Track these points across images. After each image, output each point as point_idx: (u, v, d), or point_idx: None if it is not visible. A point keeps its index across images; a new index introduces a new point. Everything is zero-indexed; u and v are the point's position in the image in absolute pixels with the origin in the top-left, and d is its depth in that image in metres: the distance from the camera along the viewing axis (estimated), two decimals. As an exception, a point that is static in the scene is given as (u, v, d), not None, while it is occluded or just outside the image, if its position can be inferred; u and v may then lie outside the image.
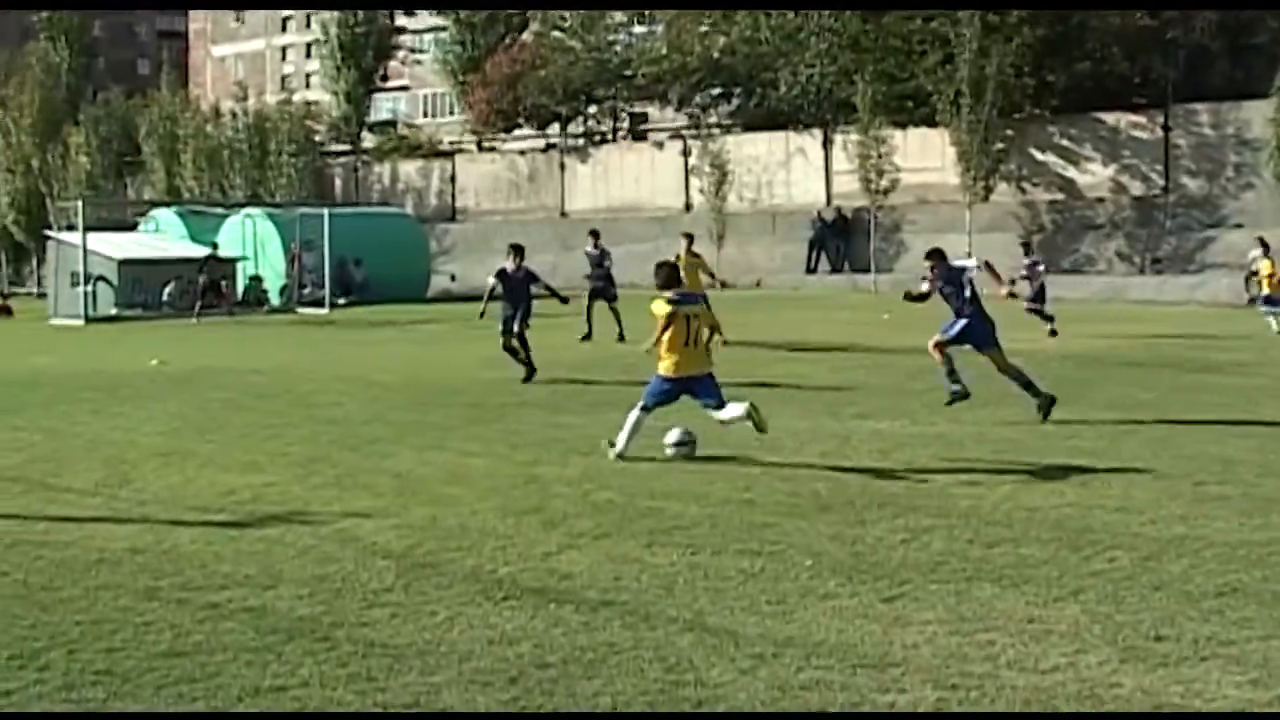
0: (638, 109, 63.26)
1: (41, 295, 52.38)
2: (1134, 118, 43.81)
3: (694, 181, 50.46)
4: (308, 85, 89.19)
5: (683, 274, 23.34)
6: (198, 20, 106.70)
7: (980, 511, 10.20)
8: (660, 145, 55.18)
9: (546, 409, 16.48)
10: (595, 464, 12.44)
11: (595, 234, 27.42)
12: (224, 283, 38.81)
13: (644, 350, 12.84)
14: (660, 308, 12.63)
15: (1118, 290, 38.64)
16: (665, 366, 12.70)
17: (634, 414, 12.71)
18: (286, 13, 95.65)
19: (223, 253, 40.65)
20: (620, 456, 12.55)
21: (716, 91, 56.11)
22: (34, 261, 63.63)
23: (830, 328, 21.68)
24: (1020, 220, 44.38)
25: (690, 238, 25.61)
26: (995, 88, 41.66)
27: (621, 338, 24.34)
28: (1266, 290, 27.45)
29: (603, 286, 26.11)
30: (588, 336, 25.23)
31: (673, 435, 12.35)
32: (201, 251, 40.61)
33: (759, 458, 12.54)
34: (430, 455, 13.17)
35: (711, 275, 25.13)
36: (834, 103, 48.87)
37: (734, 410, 12.44)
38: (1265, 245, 29.84)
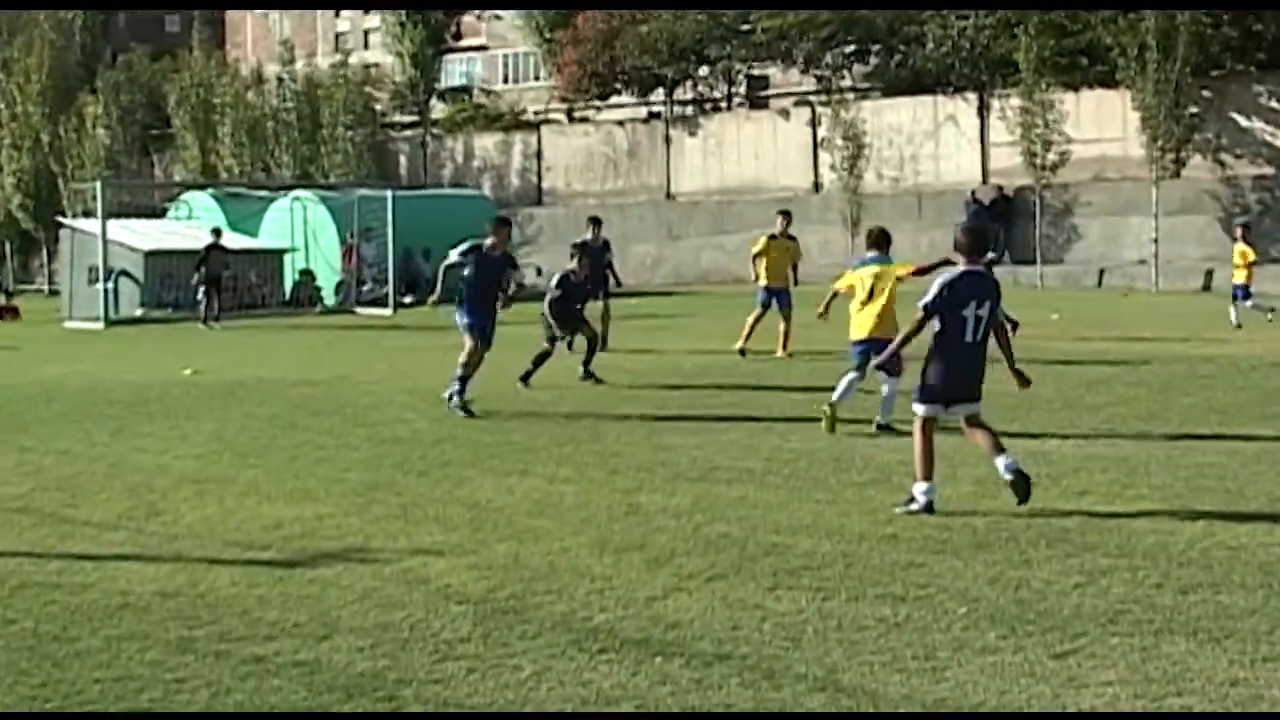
0: (757, 71, 63.18)
1: (54, 293, 53.38)
2: (1360, 73, 43.10)
3: (824, 156, 50.35)
4: (366, 45, 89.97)
5: (767, 261, 23.69)
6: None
7: (1170, 551, 10.08)
8: (784, 114, 55.10)
9: (649, 428, 16.49)
10: (708, 493, 12.45)
11: (597, 221, 26.86)
12: (226, 277, 37.97)
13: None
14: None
15: (1339, 284, 37.98)
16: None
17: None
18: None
19: (228, 240, 39.75)
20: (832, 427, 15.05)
21: (850, 49, 55.93)
22: (44, 254, 64.77)
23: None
24: (1220, 200, 43.80)
25: (788, 216, 25.46)
26: (1189, 40, 41.12)
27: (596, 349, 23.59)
28: (1243, 280, 29.04)
29: (604, 283, 25.24)
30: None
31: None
32: (243, 242, 41.10)
33: (904, 484, 12.47)
34: (512, 482, 13.24)
35: (795, 267, 24.68)
36: (991, 61, 48.57)
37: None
38: (1247, 227, 30.98)
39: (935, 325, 11.71)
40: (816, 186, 51.47)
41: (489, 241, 18.79)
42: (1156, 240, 41.71)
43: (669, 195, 55.05)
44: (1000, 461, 11.63)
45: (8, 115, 65.41)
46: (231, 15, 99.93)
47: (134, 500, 12.73)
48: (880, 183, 48.90)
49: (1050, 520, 11.10)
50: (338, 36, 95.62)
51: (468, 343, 18.36)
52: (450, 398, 18.07)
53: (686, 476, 13.27)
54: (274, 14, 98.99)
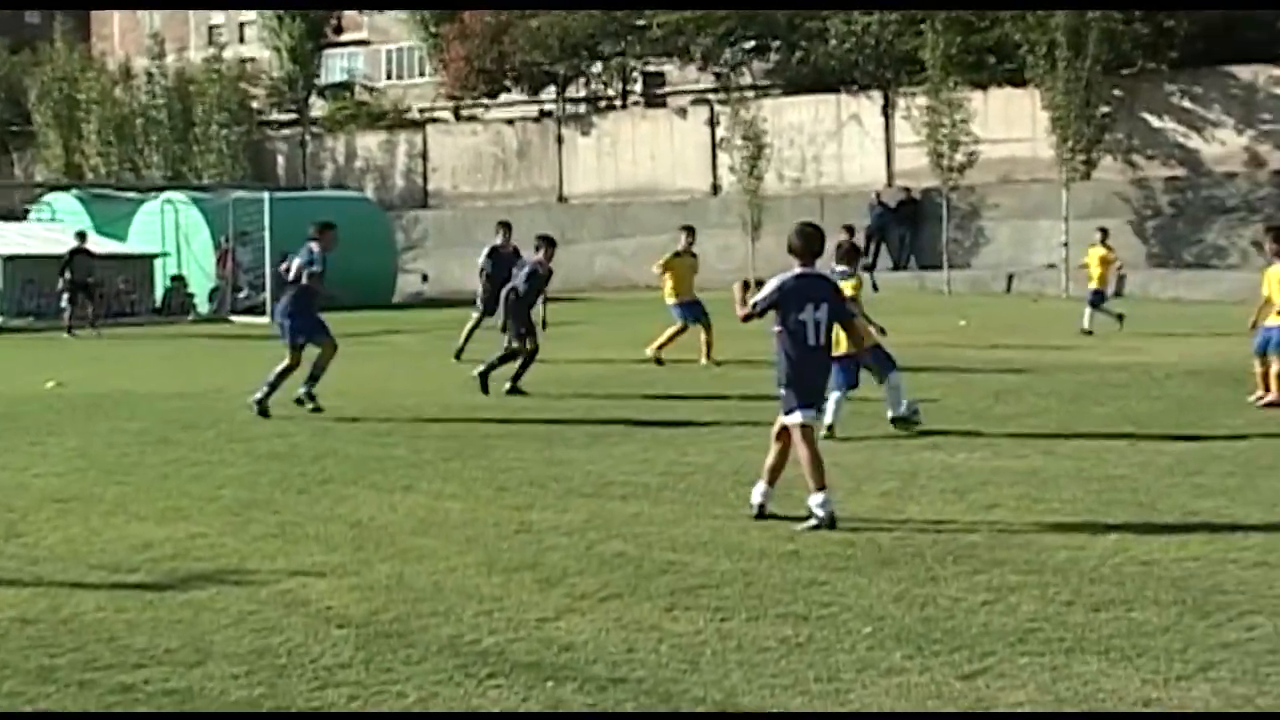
0: (653, 68, 63.41)
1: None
2: (1277, 71, 43.77)
3: (723, 157, 50.53)
4: (242, 39, 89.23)
5: (674, 278, 24.38)
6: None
7: (1081, 566, 10.19)
8: (681, 113, 55.31)
9: (541, 441, 16.49)
10: (601, 509, 12.45)
11: (506, 226, 27.08)
12: (92, 283, 37.60)
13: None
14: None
15: (1255, 289, 38.42)
16: None
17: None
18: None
19: (94, 244, 39.10)
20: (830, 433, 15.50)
21: (750, 45, 56.22)
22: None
23: (893, 337, 21.61)
24: (1131, 203, 44.40)
25: (691, 232, 26.13)
26: (1099, 37, 41.68)
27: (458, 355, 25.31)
28: (1097, 285, 29.78)
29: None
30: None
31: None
32: (110, 246, 40.68)
33: (805, 499, 12.53)
34: (396, 498, 13.18)
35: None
36: (896, 58, 48.97)
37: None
38: (1104, 231, 31.59)
39: (776, 329, 11.99)
40: (715, 188, 51.69)
41: (316, 244, 19.66)
42: (1067, 244, 42.14)
43: (561, 198, 55.11)
44: (760, 487, 11.99)
45: None
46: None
47: (-8, 521, 12.55)
48: (781, 184, 49.12)
49: (958, 535, 11.19)
50: (211, 30, 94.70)
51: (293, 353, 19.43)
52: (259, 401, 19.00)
53: (579, 492, 13.27)
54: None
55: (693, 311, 24.62)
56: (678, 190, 52.25)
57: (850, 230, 27.19)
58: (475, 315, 25.68)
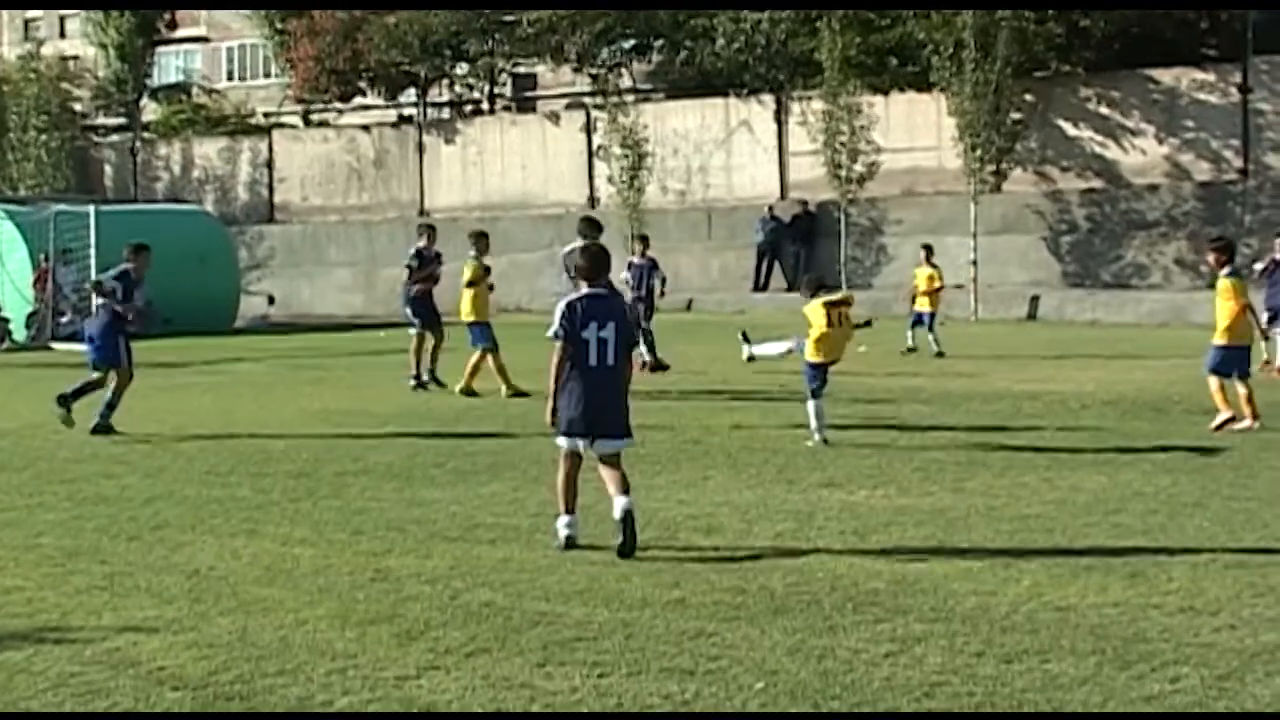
0: (523, 69, 63.56)
1: None
2: (1200, 75, 44.50)
3: (600, 167, 50.67)
4: (63, 34, 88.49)
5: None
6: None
7: (992, 614, 10.28)
8: (554, 118, 55.44)
9: (399, 479, 16.43)
10: (468, 554, 12.42)
11: (429, 230, 27.66)
12: None
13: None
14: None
15: (1179, 310, 39.19)
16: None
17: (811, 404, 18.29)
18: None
19: None
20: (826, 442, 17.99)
21: (629, 45, 56.43)
22: None
23: (786, 364, 21.80)
24: (1045, 217, 44.93)
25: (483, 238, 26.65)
26: (1009, 37, 42.16)
27: (432, 379, 25.90)
28: (927, 307, 31.51)
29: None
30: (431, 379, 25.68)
31: None
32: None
33: (691, 542, 12.56)
34: (239, 544, 13.08)
35: None
36: (790, 59, 49.29)
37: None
38: (929, 250, 33.11)
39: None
40: (593, 201, 51.82)
41: (130, 267, 21.37)
42: (975, 262, 42.62)
43: (423, 211, 54.99)
44: (619, 501, 12.36)
45: None
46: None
47: None
48: (665, 197, 49.36)
49: (858, 581, 11.25)
50: (27, 24, 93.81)
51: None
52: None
53: (443, 536, 13.22)
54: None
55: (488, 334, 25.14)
56: (551, 203, 52.34)
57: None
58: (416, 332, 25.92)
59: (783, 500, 14.72)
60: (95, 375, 21.37)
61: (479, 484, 15.92)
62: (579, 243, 26.28)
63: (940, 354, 30.23)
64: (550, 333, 12.64)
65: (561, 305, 12.68)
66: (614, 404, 12.69)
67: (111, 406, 20.70)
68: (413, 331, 25.91)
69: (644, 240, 30.51)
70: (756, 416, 20.99)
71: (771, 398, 23.16)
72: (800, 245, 47.65)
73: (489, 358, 24.64)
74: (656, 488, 15.41)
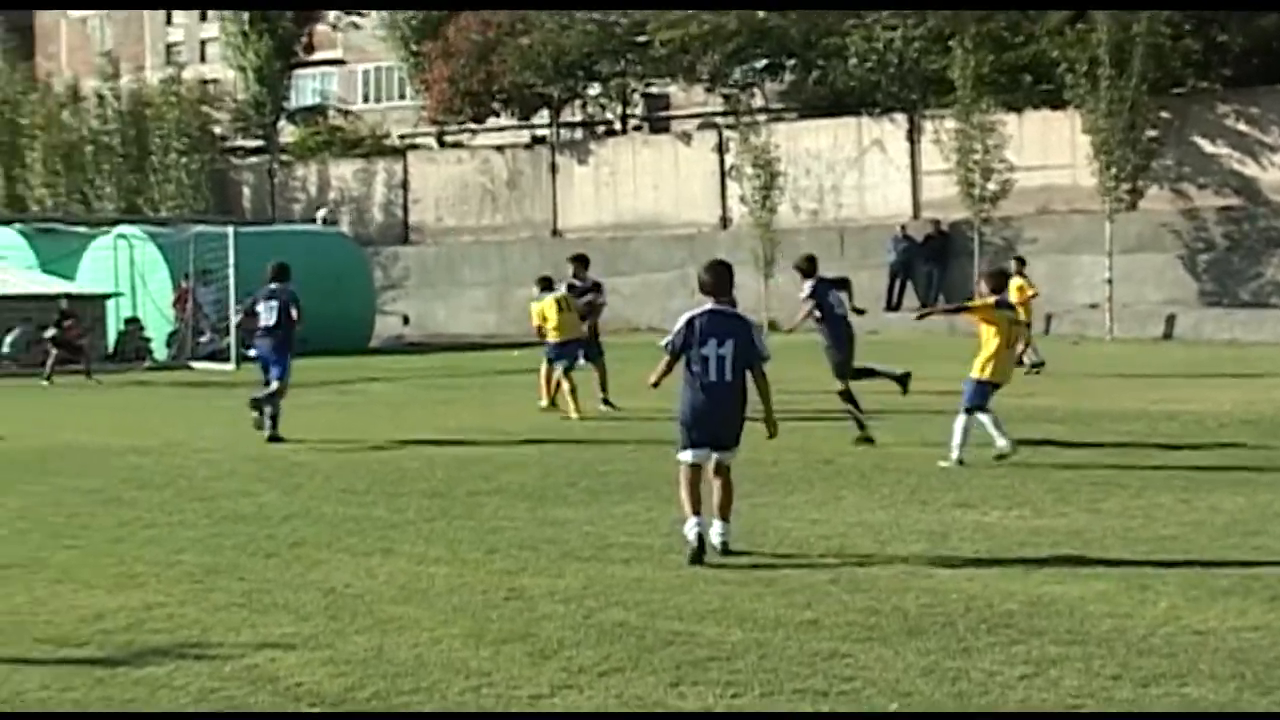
0: (656, 89, 63.58)
1: None
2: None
3: (732, 187, 50.61)
4: (203, 58, 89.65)
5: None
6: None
7: (1129, 636, 10.17)
8: (686, 138, 55.40)
9: (532, 499, 16.48)
10: (601, 573, 12.44)
11: (582, 260, 27.79)
12: (78, 329, 38.10)
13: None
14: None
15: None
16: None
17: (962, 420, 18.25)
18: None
19: (82, 288, 39.92)
20: (961, 463, 17.90)
21: (762, 64, 56.35)
22: None
23: (920, 385, 21.72)
24: (1181, 235, 44.39)
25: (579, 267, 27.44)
26: (1145, 53, 41.71)
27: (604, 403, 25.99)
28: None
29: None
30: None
31: None
32: (57, 286, 40.66)
33: (824, 562, 12.52)
34: (374, 563, 13.17)
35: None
36: (923, 78, 49.05)
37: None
38: (1021, 261, 33.53)
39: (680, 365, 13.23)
40: (724, 221, 51.73)
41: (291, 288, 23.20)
42: (1110, 281, 42.20)
43: (555, 232, 55.15)
44: (717, 526, 12.97)
45: None
46: (43, 21, 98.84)
47: (-72, 589, 12.54)
48: (797, 217, 49.21)
49: (992, 603, 11.17)
50: (169, 48, 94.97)
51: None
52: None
53: (576, 555, 13.24)
54: (93, 21, 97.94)
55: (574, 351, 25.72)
56: (683, 223, 52.30)
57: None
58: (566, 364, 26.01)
59: (916, 521, 14.65)
60: (275, 387, 22.67)
61: (612, 504, 15.94)
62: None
63: (1038, 365, 30.08)
64: (663, 343, 13.31)
65: (682, 320, 13.14)
66: (733, 417, 13.16)
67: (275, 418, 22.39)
68: (583, 363, 26.13)
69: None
70: (889, 436, 20.90)
71: (911, 412, 23.02)
72: (933, 265, 47.35)
73: (563, 376, 25.16)
74: (789, 507, 15.39)
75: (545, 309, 25.74)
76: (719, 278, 13.48)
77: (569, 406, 24.76)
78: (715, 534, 12.92)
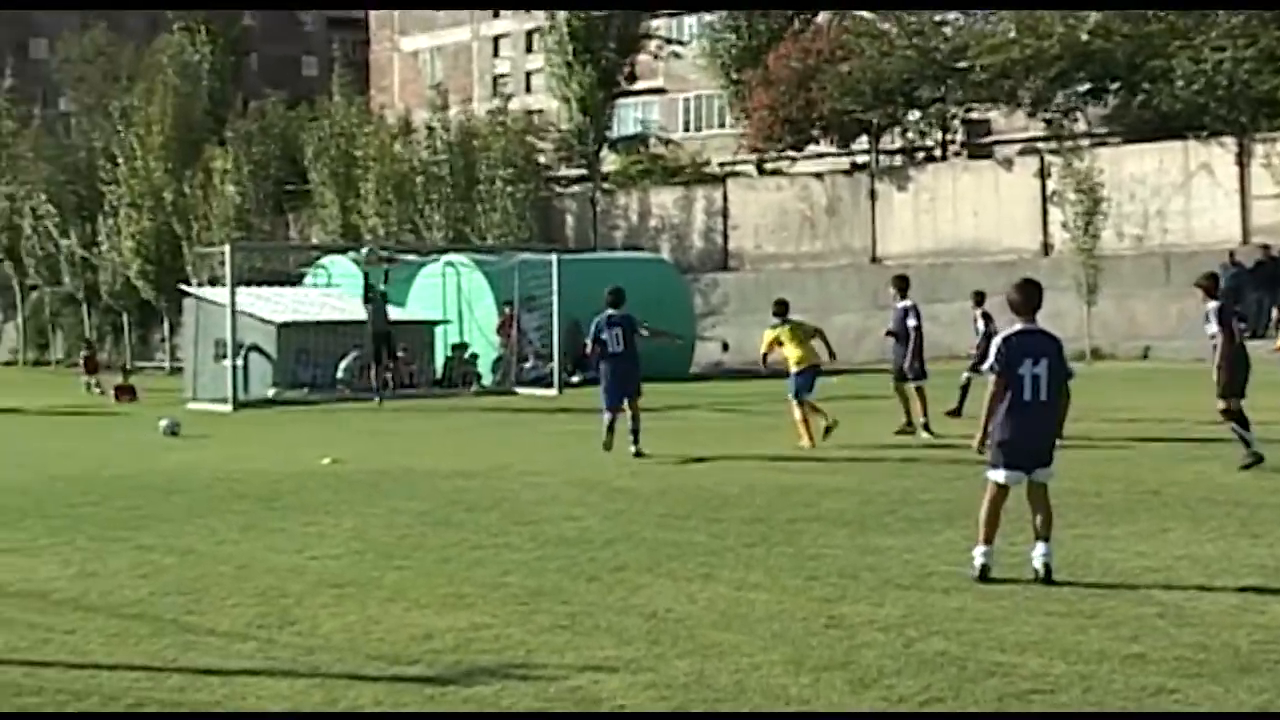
0: (976, 115, 63.07)
1: (175, 371, 54.43)
2: None
3: (1054, 213, 49.99)
4: (528, 89, 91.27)
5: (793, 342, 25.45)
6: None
7: None
8: (1008, 164, 54.92)
9: (851, 526, 16.42)
10: (921, 602, 12.35)
11: (903, 281, 27.84)
12: (403, 351, 39.19)
13: None
14: None
15: None
16: None
17: None
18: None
19: (412, 315, 41.07)
20: None
21: (1085, 89, 55.64)
22: (165, 326, 65.99)
23: (1256, 415, 21.23)
24: None
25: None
26: None
27: (924, 426, 26.11)
28: None
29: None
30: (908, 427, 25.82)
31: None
32: (392, 313, 41.68)
33: (1150, 595, 12.27)
34: (695, 588, 13.23)
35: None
36: (1253, 99, 47.97)
37: None
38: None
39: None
40: (1046, 248, 51.14)
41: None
42: None
43: (874, 258, 55.00)
44: (1039, 548, 13.07)
45: (127, 171, 66.58)
46: (377, 57, 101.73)
47: (265, 606, 12.87)
48: (1121, 243, 48.43)
49: (1328, 639, 10.86)
50: (496, 80, 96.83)
51: None
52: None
53: (896, 583, 13.16)
54: (424, 55, 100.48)
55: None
56: (1004, 250, 51.80)
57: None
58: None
59: (1247, 554, 14.27)
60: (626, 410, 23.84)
61: (932, 532, 15.82)
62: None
63: None
64: (985, 366, 13.41)
65: (996, 341, 13.26)
66: (1052, 435, 13.28)
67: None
68: (913, 385, 26.07)
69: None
70: (1218, 467, 20.41)
71: (1231, 440, 22.47)
72: (1263, 292, 46.20)
73: (799, 404, 24.82)
74: (1114, 539, 15.12)
75: (782, 336, 25.63)
76: (1028, 296, 13.50)
77: (804, 434, 24.46)
78: (1038, 556, 12.96)
